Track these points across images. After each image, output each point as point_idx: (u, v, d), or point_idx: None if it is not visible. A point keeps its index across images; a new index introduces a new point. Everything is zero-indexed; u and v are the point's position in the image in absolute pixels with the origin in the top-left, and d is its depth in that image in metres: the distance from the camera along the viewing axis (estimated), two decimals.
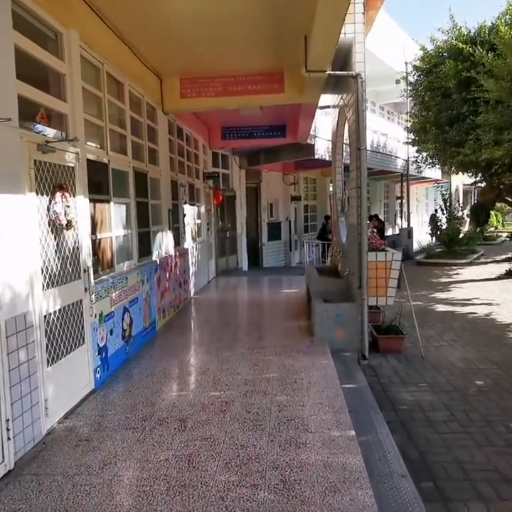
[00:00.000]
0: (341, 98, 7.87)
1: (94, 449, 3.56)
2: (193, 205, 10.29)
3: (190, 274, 9.56)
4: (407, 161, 20.41)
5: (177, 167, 8.86)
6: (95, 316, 4.76)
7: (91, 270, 4.67)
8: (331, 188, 20.62)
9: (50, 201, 3.92)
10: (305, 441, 3.59)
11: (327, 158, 13.95)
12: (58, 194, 3.96)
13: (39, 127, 3.90)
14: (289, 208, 16.99)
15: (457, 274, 14.96)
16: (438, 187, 28.69)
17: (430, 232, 19.52)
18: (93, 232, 4.96)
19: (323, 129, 13.63)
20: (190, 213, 9.91)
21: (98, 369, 4.80)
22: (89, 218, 4.74)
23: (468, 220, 25.57)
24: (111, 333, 5.18)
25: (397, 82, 21.48)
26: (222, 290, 10.71)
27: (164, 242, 7.74)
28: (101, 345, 4.90)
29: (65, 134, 4.35)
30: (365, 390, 5.05)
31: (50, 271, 3.93)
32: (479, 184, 22.28)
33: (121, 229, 5.84)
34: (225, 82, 7.65)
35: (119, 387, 4.80)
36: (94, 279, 4.84)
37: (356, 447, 3.50)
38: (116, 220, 5.68)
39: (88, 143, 4.90)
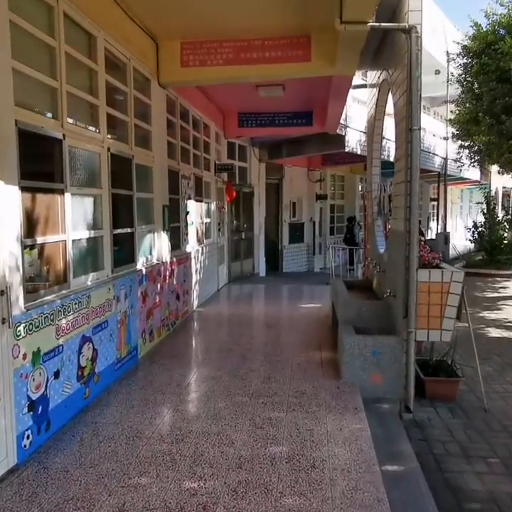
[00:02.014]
0: (379, 76, 6.25)
1: None
2: (200, 201, 8.78)
3: (193, 283, 8.04)
4: (445, 159, 18.55)
5: (179, 155, 7.35)
6: (24, 357, 3.27)
7: (16, 291, 3.18)
8: (360, 187, 18.97)
9: None
10: None
11: (359, 152, 12.30)
12: None
13: None
14: (313, 207, 15.35)
15: (504, 287, 13.09)
16: (479, 188, 26.62)
17: (472, 238, 17.61)
18: (29, 234, 3.47)
19: (355, 118, 11.96)
20: (196, 211, 8.40)
21: (27, 433, 3.31)
22: (19, 214, 3.25)
23: (507, 225, 23.55)
24: (55, 377, 3.68)
25: (437, 72, 19.64)
26: (232, 302, 9.16)
27: (156, 246, 6.23)
28: (35, 397, 3.40)
29: None
30: (416, 477, 3.44)
31: None
32: None
33: (83, 230, 4.34)
34: (236, 48, 6.08)
35: (55, 462, 3.28)
36: (30, 302, 3.35)
37: None
38: (76, 218, 4.18)
39: (24, 106, 3.40)
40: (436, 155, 18.36)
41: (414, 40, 4.43)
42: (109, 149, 4.77)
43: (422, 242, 5.57)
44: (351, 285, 6.96)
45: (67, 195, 3.96)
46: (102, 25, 4.60)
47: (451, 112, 13.45)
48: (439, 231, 18.53)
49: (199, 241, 8.63)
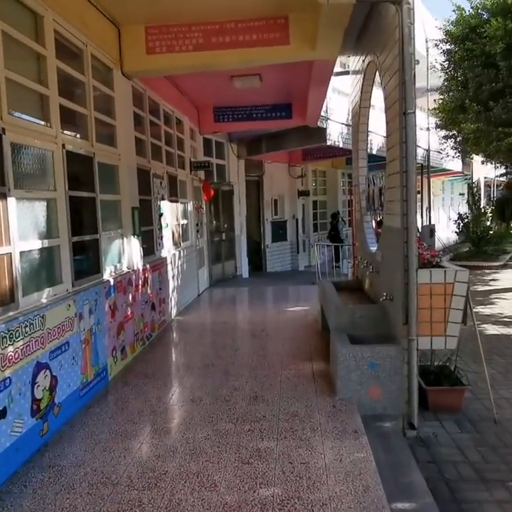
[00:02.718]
0: (364, 60, 5.77)
1: None
2: (176, 201, 8.19)
3: (171, 290, 7.47)
4: (427, 150, 18.23)
5: (149, 152, 6.76)
6: None
7: None
8: (342, 182, 18.51)
9: None
10: None
11: (341, 145, 11.84)
12: None
13: None
14: (295, 204, 14.85)
15: (494, 279, 12.74)
16: (460, 180, 26.46)
17: (457, 229, 17.30)
18: None
19: (336, 110, 11.48)
20: (171, 212, 7.82)
21: None
22: None
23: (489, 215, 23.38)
24: (2, 415, 3.09)
25: (416, 62, 19.29)
26: (214, 308, 8.60)
27: (126, 253, 5.65)
28: None
29: None
30: None
31: None
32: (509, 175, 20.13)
33: (34, 239, 3.75)
34: (207, 31, 5.52)
35: None
36: None
37: None
38: (24, 226, 3.59)
39: None
40: (419, 146, 18.01)
41: (406, 12, 3.93)
42: (64, 146, 4.18)
43: (419, 239, 5.11)
44: (340, 286, 6.47)
45: (11, 200, 3.37)
46: (50, 4, 4.00)
47: (434, 100, 13.03)
48: (423, 224, 18.18)
49: (176, 244, 8.05)
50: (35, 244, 3.75)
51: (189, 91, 8.71)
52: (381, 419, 4.24)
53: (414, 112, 4.00)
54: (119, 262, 5.50)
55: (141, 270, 5.96)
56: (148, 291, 6.26)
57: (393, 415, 4.24)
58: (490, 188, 30.95)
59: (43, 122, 3.96)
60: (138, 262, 5.89)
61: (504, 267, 14.88)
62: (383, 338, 4.58)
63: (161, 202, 7.20)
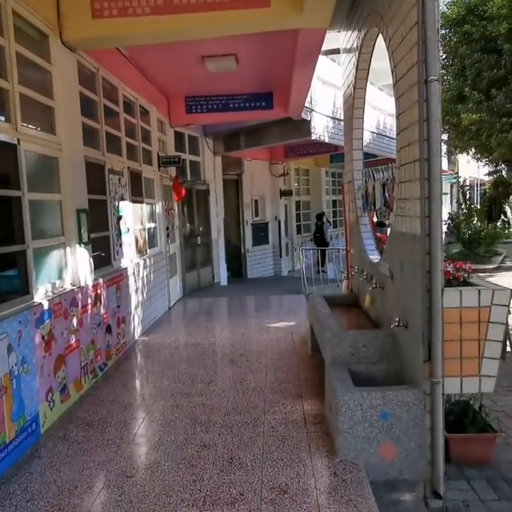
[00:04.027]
0: (361, 28, 4.79)
1: None
2: (140, 202, 7.09)
3: (134, 306, 6.36)
4: None
5: (104, 143, 5.65)
6: None
7: None
8: (325, 181, 17.53)
9: None
10: None
11: (327, 140, 10.86)
12: None
13: None
14: (278, 204, 13.82)
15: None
16: (445, 178, 25.79)
17: (447, 230, 16.47)
18: None
19: (321, 102, 10.50)
20: (135, 214, 6.72)
21: None
22: None
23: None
24: None
25: None
26: (185, 324, 7.48)
27: (69, 266, 4.54)
28: None
29: None
30: None
31: None
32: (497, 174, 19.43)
33: None
34: None
35: None
36: None
37: None
38: None
39: None
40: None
41: None
42: None
43: None
44: (334, 301, 5.46)
45: None
46: None
47: None
48: None
49: (140, 252, 6.95)
50: None
51: (156, 76, 7.61)
52: (396, 486, 3.23)
53: (439, 80, 2.99)
54: (60, 278, 4.38)
55: (90, 286, 4.84)
56: (102, 311, 5.15)
57: (412, 480, 3.24)
58: (471, 187, 30.44)
59: None
60: (86, 277, 4.77)
61: (498, 269, 14.10)
62: (395, 376, 3.57)
63: (121, 203, 6.09)
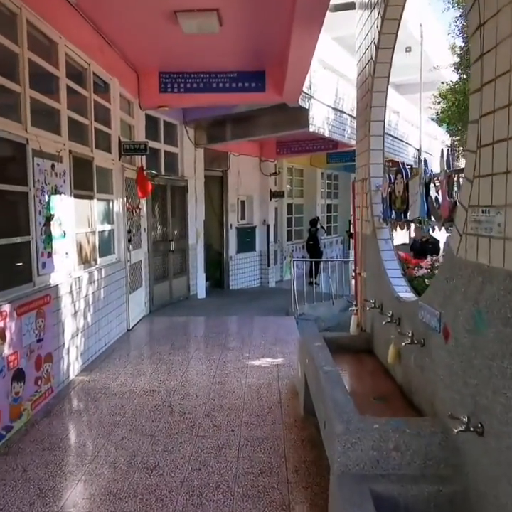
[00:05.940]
0: None
1: None
2: (88, 197, 5.50)
3: (69, 336, 4.77)
4: (419, 150, 16.00)
5: (25, 112, 4.06)
6: None
7: None
8: (320, 184, 15.98)
9: None
10: None
11: (327, 134, 9.36)
12: None
13: None
14: (267, 207, 12.26)
15: None
16: None
17: None
18: None
19: (321, 89, 8.98)
20: (78, 213, 5.13)
21: None
22: None
23: None
24: None
25: (408, 50, 17.10)
26: (142, 356, 5.85)
27: None
28: None
29: None
30: None
31: None
32: None
33: None
34: None
35: None
36: None
37: None
38: None
39: None
40: (410, 145, 15.74)
41: None
42: None
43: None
44: (337, 344, 3.95)
45: None
46: None
47: (433, 95, 10.71)
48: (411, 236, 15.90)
49: (85, 262, 5.36)
50: None
51: (116, 37, 6.02)
52: None
53: None
54: None
55: None
56: (7, 351, 3.56)
57: None
58: None
59: None
60: None
61: None
62: (452, 506, 2.04)
63: (53, 197, 4.50)
